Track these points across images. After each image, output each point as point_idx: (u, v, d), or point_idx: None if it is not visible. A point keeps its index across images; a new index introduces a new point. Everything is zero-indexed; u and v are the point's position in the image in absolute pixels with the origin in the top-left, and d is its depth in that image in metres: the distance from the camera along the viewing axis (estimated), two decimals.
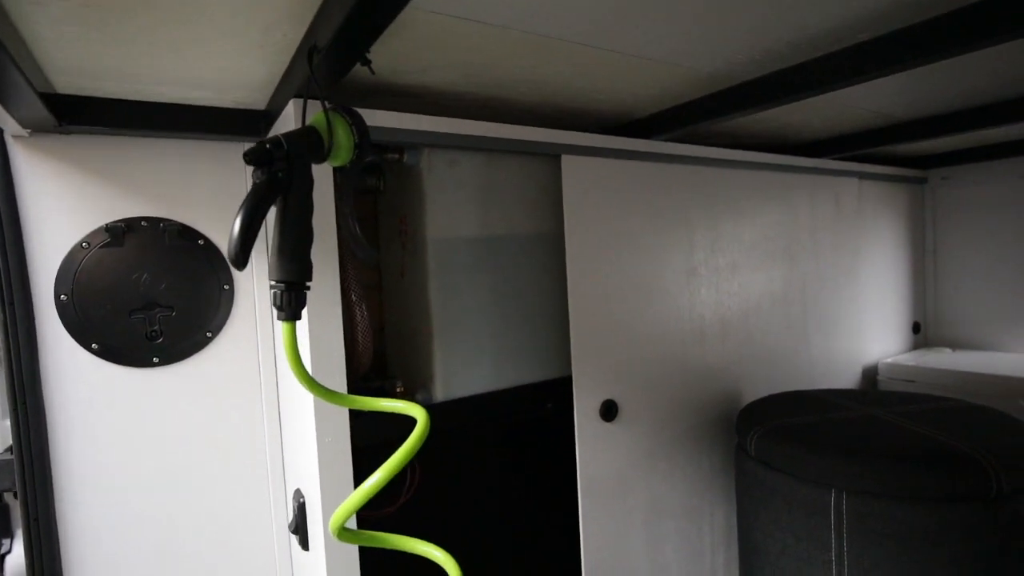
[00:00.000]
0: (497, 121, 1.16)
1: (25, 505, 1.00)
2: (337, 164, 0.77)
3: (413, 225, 1.15)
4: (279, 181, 0.65)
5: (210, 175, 1.13)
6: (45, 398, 1.02)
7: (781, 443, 1.17)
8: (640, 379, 1.34)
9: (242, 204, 0.63)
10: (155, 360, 1.09)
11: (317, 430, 0.92)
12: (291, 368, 0.67)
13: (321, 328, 0.94)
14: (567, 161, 1.22)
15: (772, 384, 1.66)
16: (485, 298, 1.19)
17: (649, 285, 1.35)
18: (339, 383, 0.95)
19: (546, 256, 1.27)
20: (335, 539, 0.69)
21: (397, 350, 1.28)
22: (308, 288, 0.69)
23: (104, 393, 1.06)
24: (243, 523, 1.17)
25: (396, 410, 0.71)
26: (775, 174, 1.64)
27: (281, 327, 0.67)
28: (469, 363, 1.16)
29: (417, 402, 1.16)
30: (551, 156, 1.23)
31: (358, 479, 0.98)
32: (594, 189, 1.26)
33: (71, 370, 1.03)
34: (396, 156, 1.11)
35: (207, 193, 1.13)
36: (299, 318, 0.68)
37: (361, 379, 1.13)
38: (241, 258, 0.62)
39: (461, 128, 1.11)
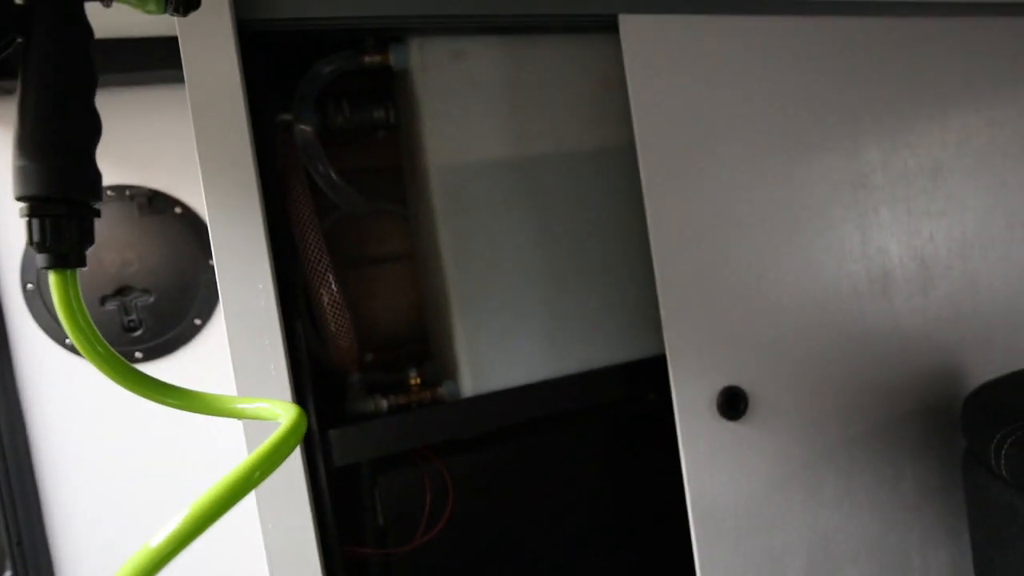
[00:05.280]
0: None
1: (7, 526, 0.87)
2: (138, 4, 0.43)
3: (411, 151, 0.84)
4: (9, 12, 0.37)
5: (178, 127, 0.92)
6: (22, 402, 0.88)
7: None
8: (782, 353, 0.88)
9: None
10: (137, 355, 0.91)
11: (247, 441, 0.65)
12: (77, 344, 0.39)
13: (244, 318, 0.66)
14: (629, 26, 0.81)
15: (1014, 355, 1.06)
16: (526, 246, 0.83)
17: (786, 208, 0.88)
18: (281, 390, 0.67)
19: (617, 178, 0.87)
20: None
21: (434, 332, 0.98)
22: (90, 210, 0.40)
23: (85, 396, 0.90)
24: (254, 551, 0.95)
25: (253, 416, 0.40)
26: (1006, 20, 1.04)
27: (55, 281, 0.39)
28: (509, 340, 0.82)
29: (440, 398, 0.85)
30: (604, 25, 0.82)
31: (324, 514, 0.69)
32: (677, 67, 0.83)
33: (47, 370, 0.89)
34: (378, 59, 0.80)
35: (178, 150, 0.93)
36: (78, 263, 0.39)
37: (363, 370, 0.84)
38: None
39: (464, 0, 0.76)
